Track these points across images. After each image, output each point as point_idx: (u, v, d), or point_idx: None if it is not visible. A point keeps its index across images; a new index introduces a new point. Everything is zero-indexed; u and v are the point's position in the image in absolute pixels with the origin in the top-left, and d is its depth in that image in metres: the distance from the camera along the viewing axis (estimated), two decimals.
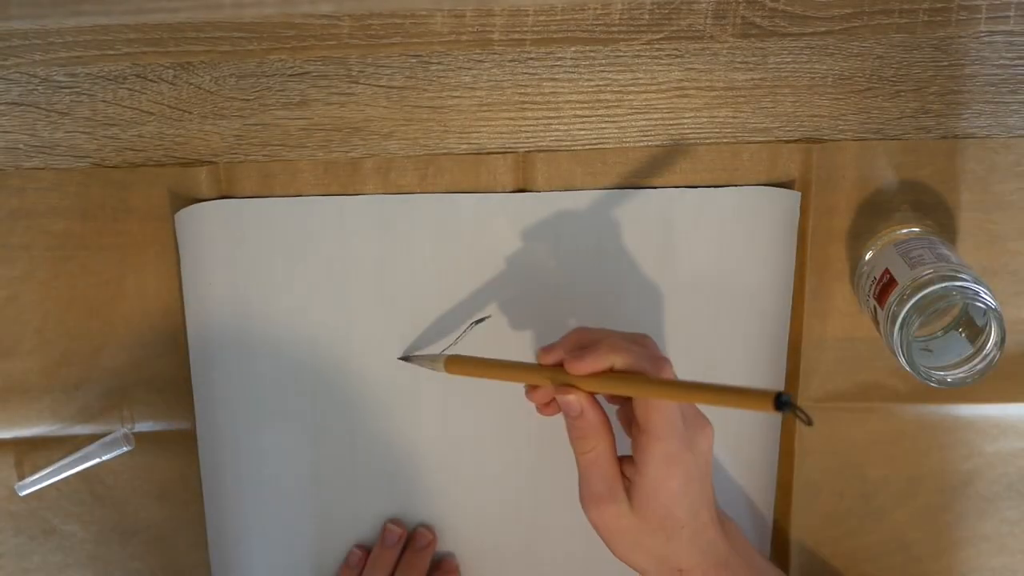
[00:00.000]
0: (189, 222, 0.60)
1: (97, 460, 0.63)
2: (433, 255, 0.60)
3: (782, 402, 0.43)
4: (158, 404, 0.63)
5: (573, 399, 0.52)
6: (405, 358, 0.61)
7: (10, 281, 0.61)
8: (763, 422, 0.62)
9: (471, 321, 0.60)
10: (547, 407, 0.55)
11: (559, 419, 0.54)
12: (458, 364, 0.57)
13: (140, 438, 0.63)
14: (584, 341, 0.53)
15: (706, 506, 0.53)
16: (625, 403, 0.56)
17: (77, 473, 0.63)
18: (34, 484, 0.63)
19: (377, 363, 0.61)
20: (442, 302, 0.61)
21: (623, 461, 0.54)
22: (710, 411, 0.54)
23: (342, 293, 0.61)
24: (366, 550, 0.63)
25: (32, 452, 0.63)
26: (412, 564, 0.62)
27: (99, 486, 0.64)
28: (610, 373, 0.51)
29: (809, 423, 0.44)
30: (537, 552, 0.64)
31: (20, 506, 0.64)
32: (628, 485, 0.53)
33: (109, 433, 0.63)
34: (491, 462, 0.63)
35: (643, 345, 0.53)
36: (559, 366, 0.53)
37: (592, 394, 0.52)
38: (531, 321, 0.61)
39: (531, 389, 0.55)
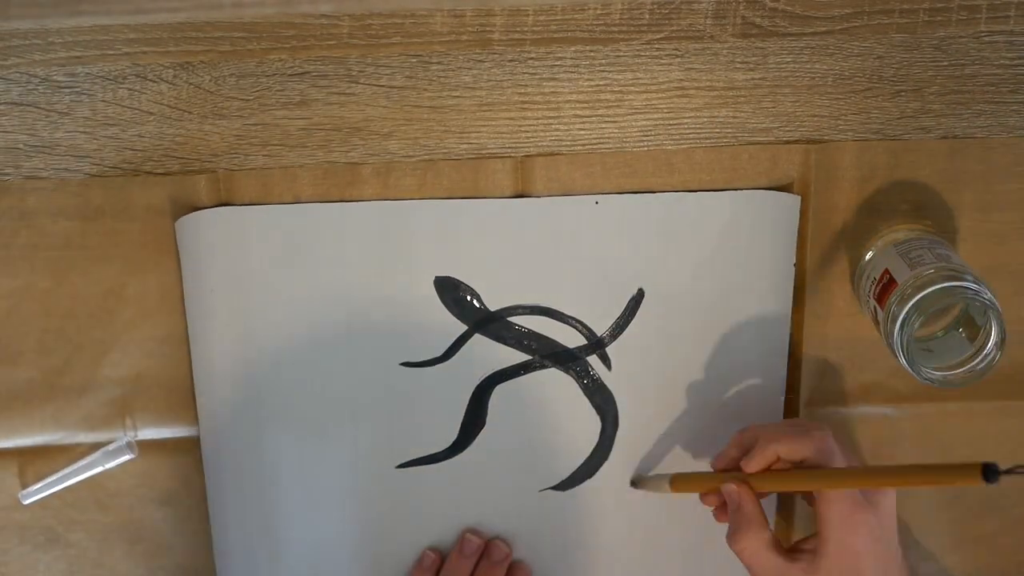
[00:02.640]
0: (190, 229, 0.60)
1: (101, 468, 0.63)
2: (433, 261, 0.60)
3: (990, 472, 0.43)
4: (161, 412, 0.63)
5: (733, 488, 0.55)
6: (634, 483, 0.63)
7: (11, 291, 0.61)
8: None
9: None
10: (720, 511, 0.59)
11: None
12: (683, 484, 0.60)
13: (143, 446, 0.63)
14: (747, 440, 0.56)
15: (895, 565, 0.53)
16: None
17: (81, 481, 0.63)
18: (38, 492, 0.63)
19: (378, 369, 0.61)
20: (443, 308, 0.61)
21: (796, 545, 0.56)
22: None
23: (343, 299, 0.60)
24: (439, 553, 0.63)
25: (36, 461, 0.63)
26: None
27: (103, 494, 0.64)
28: (792, 471, 0.54)
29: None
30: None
31: (24, 515, 0.64)
32: (811, 558, 0.53)
33: (112, 441, 0.63)
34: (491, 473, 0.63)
35: (803, 430, 0.55)
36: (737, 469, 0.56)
37: (751, 488, 0.55)
38: (532, 325, 0.61)
39: (704, 495, 0.58)
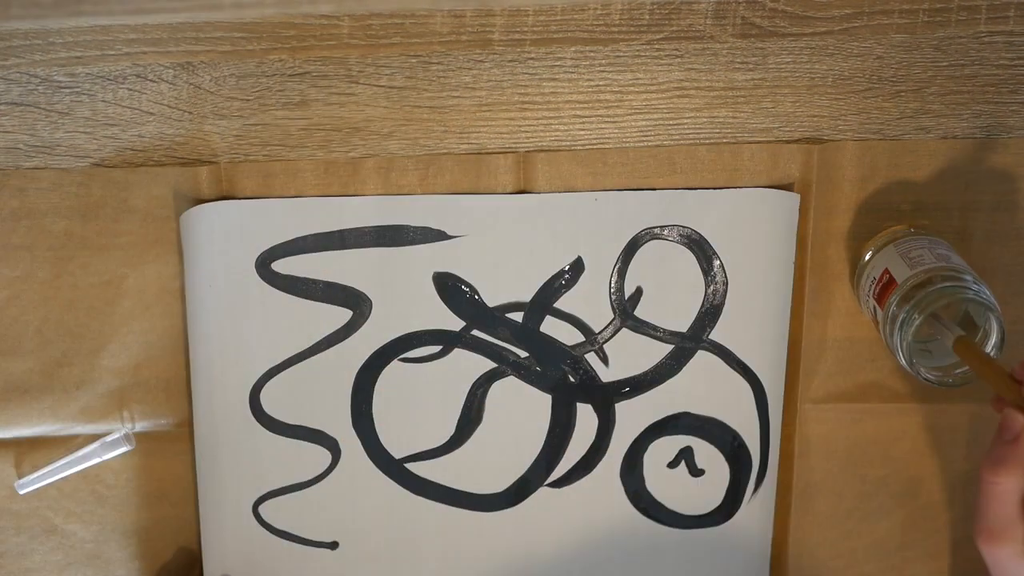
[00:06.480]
0: (193, 223, 0.60)
1: (97, 460, 0.63)
2: (432, 257, 0.60)
3: None
4: (159, 404, 0.63)
5: (1018, 417, 0.49)
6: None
7: (11, 281, 0.61)
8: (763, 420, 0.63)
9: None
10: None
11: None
12: (965, 349, 0.53)
13: (141, 438, 0.64)
14: None
15: None
16: None
17: (78, 473, 0.64)
18: (35, 483, 0.64)
19: (376, 364, 0.62)
20: (441, 304, 0.61)
21: None
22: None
23: (341, 294, 0.61)
24: None
25: (32, 452, 0.64)
26: None
27: (100, 485, 0.64)
28: None
29: None
30: None
31: (21, 505, 0.64)
32: None
33: (110, 433, 0.63)
34: (493, 464, 0.63)
35: None
36: None
37: None
38: (530, 321, 0.61)
39: (996, 401, 0.53)
